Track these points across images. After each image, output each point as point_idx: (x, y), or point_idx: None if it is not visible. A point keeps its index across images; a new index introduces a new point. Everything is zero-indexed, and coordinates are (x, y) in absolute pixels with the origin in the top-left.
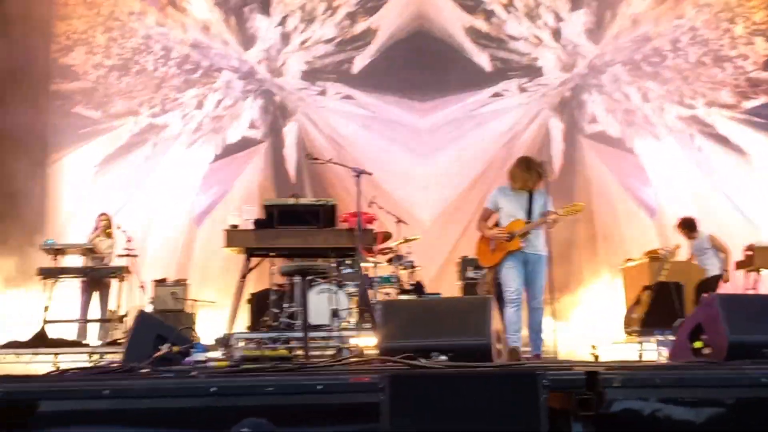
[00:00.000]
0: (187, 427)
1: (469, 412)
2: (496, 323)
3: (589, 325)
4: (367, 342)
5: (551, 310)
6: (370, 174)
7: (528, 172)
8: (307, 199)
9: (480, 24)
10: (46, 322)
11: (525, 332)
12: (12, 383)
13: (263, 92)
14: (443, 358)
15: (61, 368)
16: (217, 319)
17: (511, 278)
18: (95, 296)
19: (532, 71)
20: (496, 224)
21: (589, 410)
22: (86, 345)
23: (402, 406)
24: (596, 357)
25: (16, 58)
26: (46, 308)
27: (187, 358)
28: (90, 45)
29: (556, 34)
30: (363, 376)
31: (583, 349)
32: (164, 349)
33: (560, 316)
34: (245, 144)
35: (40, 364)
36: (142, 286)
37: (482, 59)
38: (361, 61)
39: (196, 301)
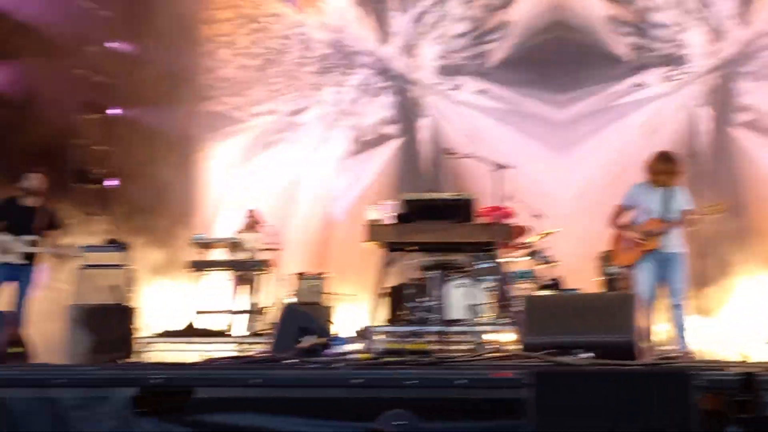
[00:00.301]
0: (331, 416)
1: (616, 411)
2: (640, 320)
3: (738, 323)
4: (505, 338)
5: (697, 307)
6: (511, 168)
7: (666, 167)
8: (446, 194)
9: (621, 12)
10: (197, 312)
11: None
12: (170, 371)
13: (398, 88)
14: (586, 355)
15: (212, 357)
16: (354, 312)
17: (645, 278)
18: (243, 289)
19: (677, 59)
20: (632, 221)
21: (744, 413)
22: (231, 335)
23: (548, 403)
24: (746, 357)
25: (164, 59)
26: (195, 299)
27: (328, 350)
28: (233, 46)
29: (703, 19)
30: (505, 372)
31: (731, 347)
32: (309, 340)
33: (707, 312)
34: (380, 139)
35: (189, 353)
36: (283, 279)
37: (623, 48)
38: (496, 54)
39: (335, 294)
